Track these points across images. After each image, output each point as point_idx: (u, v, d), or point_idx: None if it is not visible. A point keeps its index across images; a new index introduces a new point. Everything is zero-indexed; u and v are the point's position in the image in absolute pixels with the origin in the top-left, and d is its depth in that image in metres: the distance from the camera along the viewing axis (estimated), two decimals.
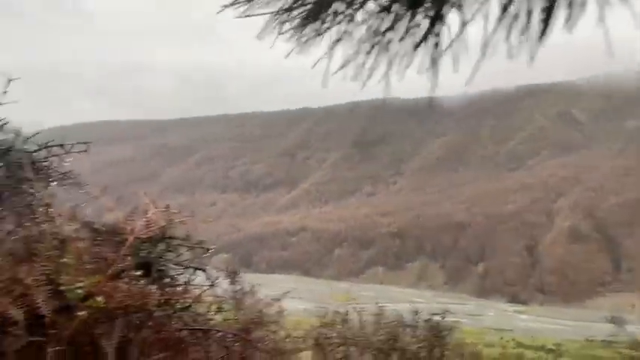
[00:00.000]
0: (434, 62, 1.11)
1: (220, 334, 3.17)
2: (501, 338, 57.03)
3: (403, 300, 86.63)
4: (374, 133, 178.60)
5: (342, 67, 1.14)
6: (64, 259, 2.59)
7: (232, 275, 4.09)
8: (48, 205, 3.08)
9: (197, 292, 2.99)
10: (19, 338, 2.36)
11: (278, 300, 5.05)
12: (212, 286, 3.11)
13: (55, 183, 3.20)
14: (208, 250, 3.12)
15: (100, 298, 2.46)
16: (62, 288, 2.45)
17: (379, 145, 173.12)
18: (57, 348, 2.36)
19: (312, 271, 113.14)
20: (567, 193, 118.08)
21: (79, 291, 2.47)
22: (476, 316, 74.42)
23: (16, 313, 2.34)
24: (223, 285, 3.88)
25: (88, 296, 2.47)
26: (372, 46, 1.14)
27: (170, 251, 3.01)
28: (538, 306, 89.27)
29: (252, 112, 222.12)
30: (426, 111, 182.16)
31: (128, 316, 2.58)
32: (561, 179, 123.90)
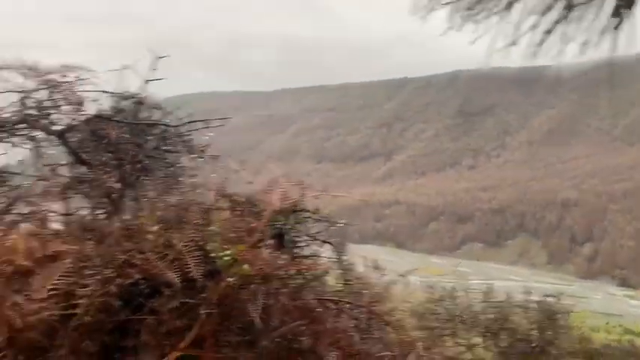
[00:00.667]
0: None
1: (349, 305, 3.20)
2: (607, 323, 54.26)
3: (500, 278, 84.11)
4: (476, 104, 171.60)
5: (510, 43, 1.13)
6: (211, 228, 2.75)
7: (341, 247, 4.20)
8: (192, 177, 3.29)
9: (326, 263, 3.05)
10: (173, 299, 2.55)
11: (403, 276, 5.08)
12: (340, 258, 3.19)
13: (196, 155, 3.40)
14: (337, 224, 3.19)
15: (246, 266, 2.59)
16: (212, 255, 2.59)
17: (482, 117, 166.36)
18: (208, 310, 2.51)
19: (406, 244, 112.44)
20: None
21: (227, 258, 2.59)
22: (581, 298, 71.01)
23: (172, 276, 2.52)
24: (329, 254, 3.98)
25: (234, 263, 2.60)
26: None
27: (299, 223, 3.13)
28: None
29: (350, 82, 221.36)
30: (534, 81, 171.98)
31: (268, 283, 2.68)
32: None
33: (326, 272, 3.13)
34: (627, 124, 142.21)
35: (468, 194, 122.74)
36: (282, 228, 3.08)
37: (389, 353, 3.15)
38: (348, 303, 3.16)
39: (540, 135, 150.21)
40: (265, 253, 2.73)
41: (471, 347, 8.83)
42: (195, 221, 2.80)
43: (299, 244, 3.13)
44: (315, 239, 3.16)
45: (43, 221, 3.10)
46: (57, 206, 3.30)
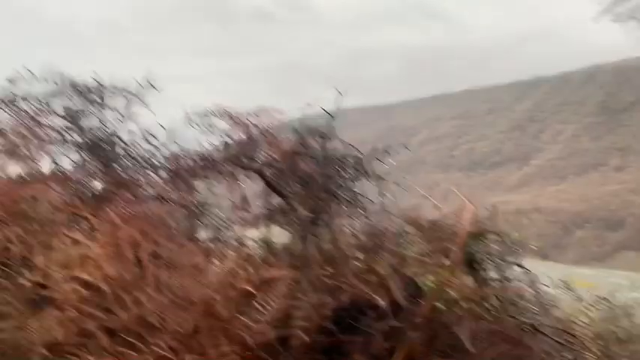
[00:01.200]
0: None
1: (545, 327, 3.15)
2: None
3: None
4: (621, 100, 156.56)
5: None
6: (408, 252, 2.87)
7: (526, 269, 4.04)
8: (375, 202, 3.42)
9: (519, 287, 2.98)
10: (381, 321, 2.70)
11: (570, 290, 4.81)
12: (533, 283, 3.06)
13: (376, 181, 3.54)
14: (527, 247, 3.06)
15: (451, 291, 2.69)
16: (415, 279, 2.71)
17: (628, 113, 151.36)
18: (414, 333, 2.63)
19: (550, 254, 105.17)
20: None
21: (430, 283, 2.72)
22: None
23: (379, 299, 2.68)
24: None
25: (439, 288, 2.70)
26: None
27: (488, 246, 3.07)
28: None
29: (474, 87, 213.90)
30: None
31: (470, 307, 2.77)
32: None
33: (521, 295, 3.11)
34: None
35: (616, 198, 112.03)
36: (474, 251, 3.09)
37: None
38: (546, 326, 3.12)
39: None
40: (465, 277, 2.82)
41: None
42: (391, 246, 2.98)
43: (488, 267, 3.12)
44: (506, 262, 3.15)
45: (248, 248, 3.45)
46: (257, 233, 3.64)
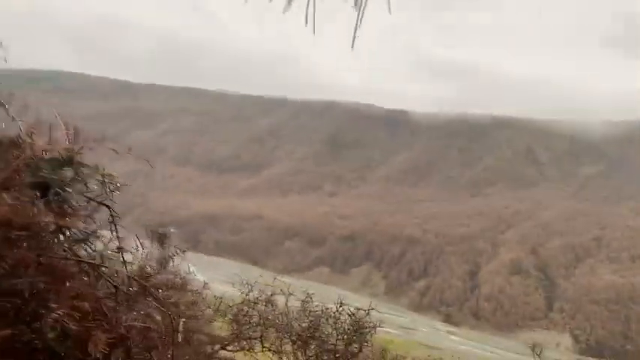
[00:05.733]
0: None
1: (110, 271, 2.93)
2: (429, 355, 58.29)
3: (335, 302, 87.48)
4: (346, 136, 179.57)
5: None
6: None
7: (161, 238, 3.97)
8: None
9: (95, 226, 2.83)
10: None
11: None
12: (113, 222, 2.91)
13: None
14: (118, 185, 2.94)
15: None
16: None
17: (349, 149, 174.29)
18: None
19: (260, 260, 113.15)
20: (517, 226, 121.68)
21: None
22: (409, 329, 75.67)
23: None
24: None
25: None
26: None
27: (77, 180, 2.80)
28: (469, 330, 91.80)
29: (228, 90, 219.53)
30: (399, 123, 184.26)
31: (7, 231, 2.46)
32: (514, 212, 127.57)
33: (95, 234, 2.86)
34: (472, 175, 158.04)
35: (324, 218, 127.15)
36: (48, 179, 2.73)
37: (150, 326, 2.88)
38: (109, 268, 2.91)
39: (397, 173, 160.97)
40: (15, 199, 2.48)
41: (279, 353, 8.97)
42: None
43: (71, 203, 2.77)
44: (91, 199, 2.85)
45: None
46: None
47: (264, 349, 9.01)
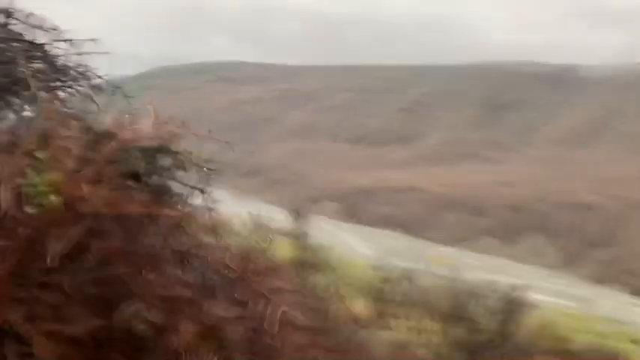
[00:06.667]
0: None
1: (204, 258, 2.84)
2: (615, 331, 53.40)
3: (507, 274, 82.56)
4: (502, 98, 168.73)
5: None
6: (38, 154, 2.32)
7: (296, 213, 3.53)
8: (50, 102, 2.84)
9: (189, 211, 2.77)
10: None
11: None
12: (210, 209, 2.89)
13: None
14: (213, 170, 2.96)
15: (53, 197, 2.23)
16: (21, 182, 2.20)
17: (507, 111, 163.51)
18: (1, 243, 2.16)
19: (418, 232, 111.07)
20: None
21: (37, 187, 2.20)
22: (590, 302, 69.97)
23: None
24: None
25: (42, 193, 2.20)
26: None
27: (176, 167, 2.77)
28: None
29: (373, 64, 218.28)
30: (562, 79, 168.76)
31: (92, 220, 2.30)
32: None
33: (188, 220, 2.78)
34: None
35: (485, 187, 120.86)
36: (140, 167, 2.66)
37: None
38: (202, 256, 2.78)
39: (565, 134, 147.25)
40: (109, 189, 2.34)
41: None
42: (27, 147, 2.39)
43: (170, 191, 2.75)
44: (186, 185, 2.83)
45: None
46: None
47: (407, 328, 8.11)
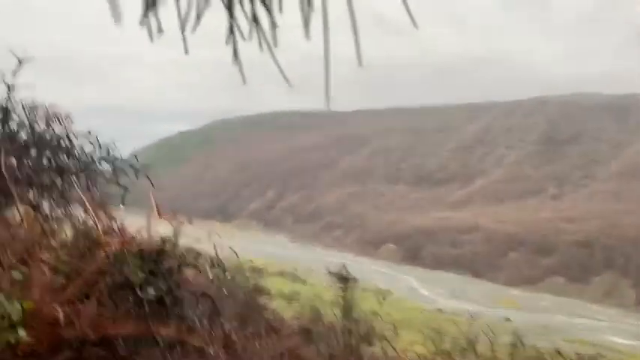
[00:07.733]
0: None
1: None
2: None
3: (583, 316, 78.89)
4: (563, 132, 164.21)
5: None
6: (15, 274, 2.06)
7: (343, 280, 3.83)
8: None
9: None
10: None
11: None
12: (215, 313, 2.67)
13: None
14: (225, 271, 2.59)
15: (21, 331, 1.82)
16: None
17: (569, 145, 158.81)
18: None
19: (484, 273, 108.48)
20: None
21: (6, 319, 1.92)
22: None
23: None
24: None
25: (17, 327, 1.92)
26: None
27: (173, 272, 2.42)
28: None
29: (429, 104, 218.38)
30: (626, 109, 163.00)
31: (75, 347, 1.93)
32: None
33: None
34: None
35: (550, 224, 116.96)
36: (138, 276, 2.27)
37: None
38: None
39: (629, 166, 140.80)
40: (98, 306, 1.93)
41: None
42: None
43: (178, 300, 2.35)
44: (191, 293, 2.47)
45: None
46: None
47: None
